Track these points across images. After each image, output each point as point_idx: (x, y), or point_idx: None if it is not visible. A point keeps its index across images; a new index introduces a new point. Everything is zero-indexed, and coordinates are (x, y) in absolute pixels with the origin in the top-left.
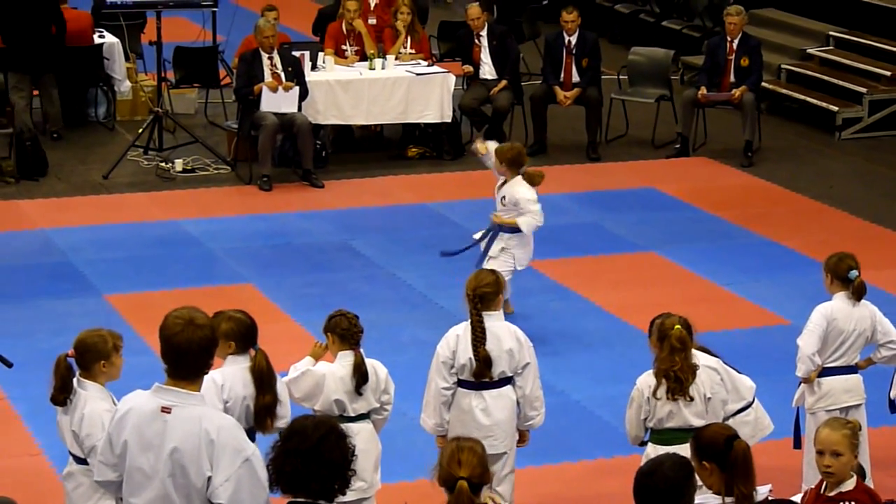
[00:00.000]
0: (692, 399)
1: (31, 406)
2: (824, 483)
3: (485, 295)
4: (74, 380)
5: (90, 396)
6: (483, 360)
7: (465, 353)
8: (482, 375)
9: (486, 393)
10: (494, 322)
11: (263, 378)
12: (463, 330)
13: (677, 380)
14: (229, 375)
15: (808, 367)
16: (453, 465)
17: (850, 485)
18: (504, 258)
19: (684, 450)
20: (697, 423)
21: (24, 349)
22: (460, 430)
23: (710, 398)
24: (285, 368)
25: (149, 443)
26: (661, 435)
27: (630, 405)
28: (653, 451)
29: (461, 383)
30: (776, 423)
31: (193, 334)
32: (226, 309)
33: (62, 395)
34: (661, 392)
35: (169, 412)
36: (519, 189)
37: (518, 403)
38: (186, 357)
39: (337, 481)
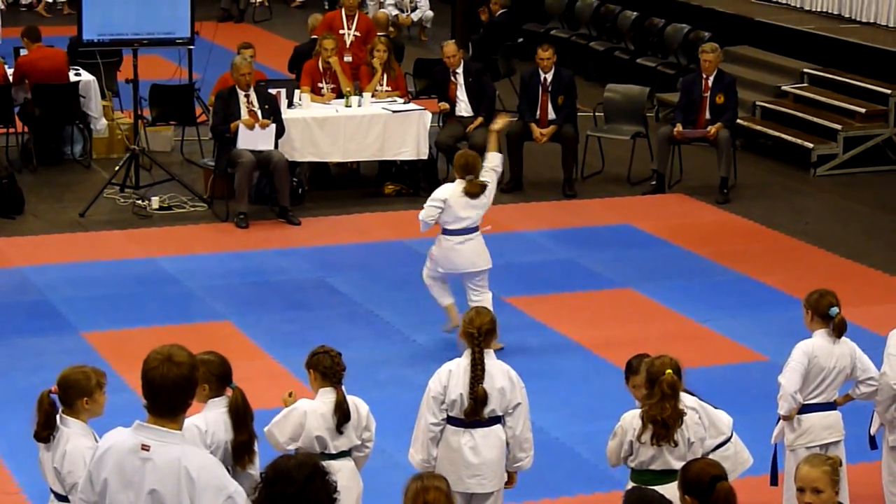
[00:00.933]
0: (676, 444)
1: (9, 444)
2: None
3: (489, 332)
4: (57, 416)
5: (73, 433)
6: (480, 400)
7: (457, 389)
8: (475, 414)
9: (475, 431)
10: (488, 360)
11: (239, 415)
12: (455, 366)
13: (664, 425)
14: (212, 421)
15: (790, 404)
16: None
17: None
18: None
19: (665, 490)
20: (679, 465)
21: (0, 387)
22: (448, 468)
23: (693, 443)
24: (265, 406)
25: (129, 481)
26: (643, 476)
27: (613, 437)
28: None
29: (450, 420)
30: (755, 459)
31: (168, 371)
32: (198, 352)
33: (45, 431)
34: (647, 437)
35: (148, 450)
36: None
37: (507, 444)
38: (161, 394)
39: None
